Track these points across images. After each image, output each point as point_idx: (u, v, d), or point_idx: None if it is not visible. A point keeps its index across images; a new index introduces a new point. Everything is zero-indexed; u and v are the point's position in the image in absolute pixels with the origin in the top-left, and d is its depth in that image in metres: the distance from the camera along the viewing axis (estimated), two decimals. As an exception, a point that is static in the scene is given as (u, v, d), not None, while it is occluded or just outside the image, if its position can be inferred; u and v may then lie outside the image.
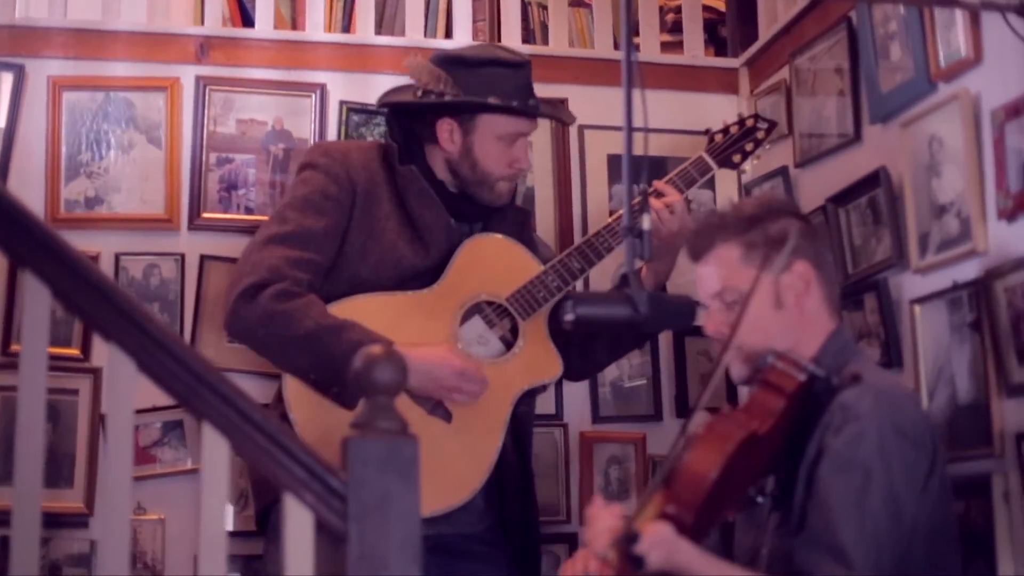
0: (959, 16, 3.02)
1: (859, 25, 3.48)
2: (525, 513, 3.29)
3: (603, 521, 2.43)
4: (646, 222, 2.45)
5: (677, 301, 2.55)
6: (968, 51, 3.00)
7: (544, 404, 3.66)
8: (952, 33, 3.06)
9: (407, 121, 3.29)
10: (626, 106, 2.46)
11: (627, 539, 2.24)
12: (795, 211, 2.74)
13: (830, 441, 2.40)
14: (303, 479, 1.96)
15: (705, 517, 2.36)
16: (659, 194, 3.29)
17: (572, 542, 3.85)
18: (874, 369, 2.69)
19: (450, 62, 3.22)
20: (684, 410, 4.01)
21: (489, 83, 3.19)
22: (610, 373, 3.99)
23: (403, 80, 3.40)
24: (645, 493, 2.35)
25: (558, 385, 3.90)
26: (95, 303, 2.01)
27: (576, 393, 3.97)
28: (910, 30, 3.22)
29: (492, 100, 3.17)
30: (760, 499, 2.56)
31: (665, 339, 4.06)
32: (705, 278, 2.68)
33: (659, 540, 2.27)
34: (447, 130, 3.22)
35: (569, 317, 2.41)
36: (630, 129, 2.44)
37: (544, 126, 3.97)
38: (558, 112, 3.43)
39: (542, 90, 3.34)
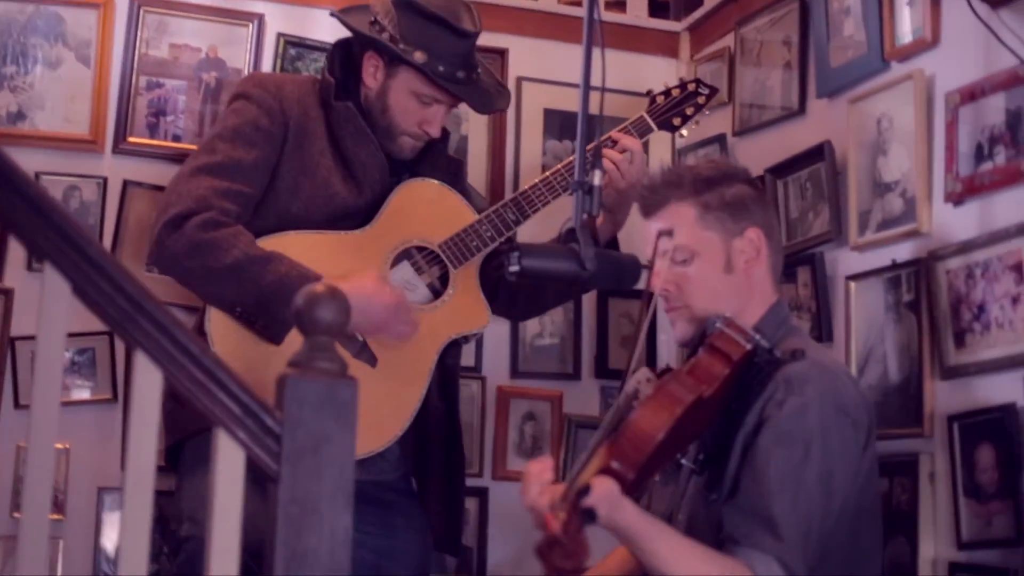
0: (919, -4, 3.02)
1: (812, -2, 3.46)
2: (449, 465, 3.25)
3: (540, 478, 2.40)
4: (597, 178, 2.42)
5: (623, 260, 2.54)
6: (926, 32, 2.99)
7: (463, 357, 3.59)
8: (910, 13, 3.06)
9: (348, 53, 3.22)
10: (585, 63, 2.43)
11: (579, 492, 2.24)
12: (750, 178, 2.73)
13: (772, 413, 2.41)
14: (237, 415, 1.89)
15: (643, 476, 2.36)
16: (614, 142, 3.24)
17: (483, 496, 3.83)
18: (815, 345, 2.73)
19: (405, 5, 3.14)
20: (603, 371, 4.01)
21: (426, 39, 3.10)
22: (531, 329, 3.97)
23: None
24: (590, 447, 2.33)
25: (479, 338, 3.86)
26: (32, 220, 1.91)
27: (496, 347, 3.94)
28: (866, 7, 3.21)
29: (417, 56, 3.09)
30: (683, 462, 2.56)
31: (589, 299, 4.03)
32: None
33: (606, 494, 2.27)
34: (373, 65, 3.16)
35: (514, 268, 2.38)
36: (587, 88, 2.41)
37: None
38: (475, 97, 3.21)
39: (481, 38, 3.21)
